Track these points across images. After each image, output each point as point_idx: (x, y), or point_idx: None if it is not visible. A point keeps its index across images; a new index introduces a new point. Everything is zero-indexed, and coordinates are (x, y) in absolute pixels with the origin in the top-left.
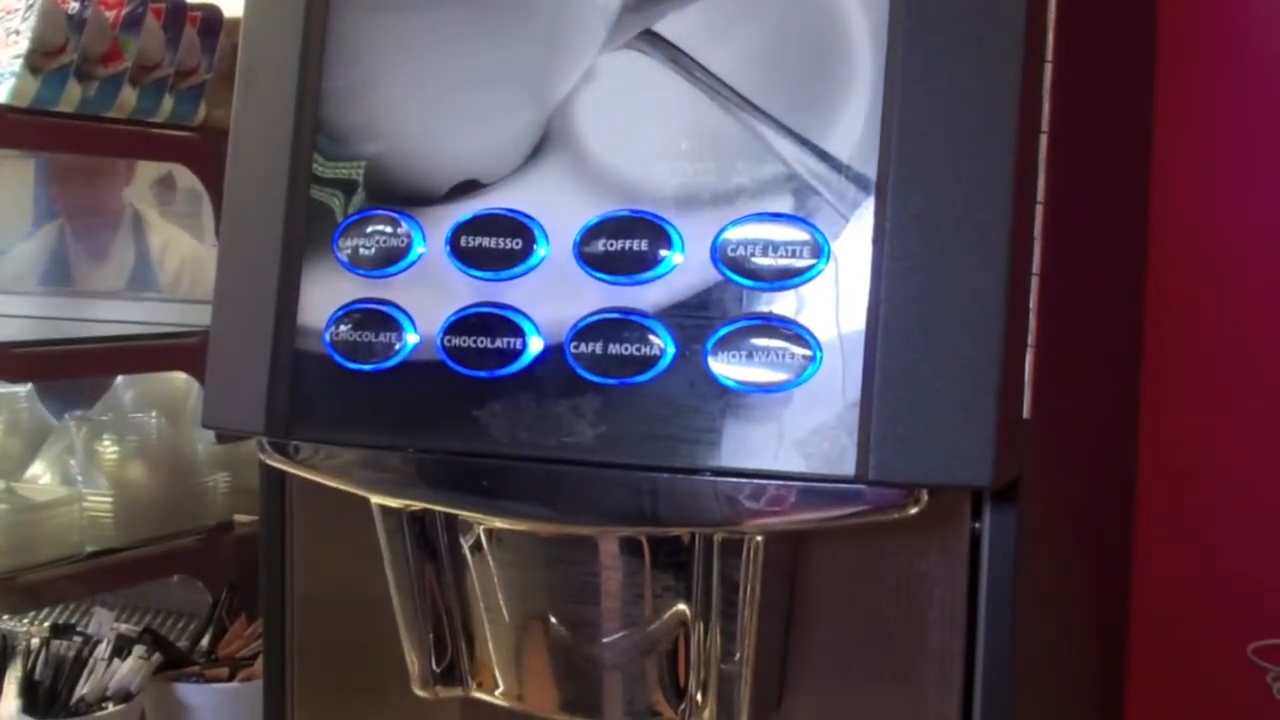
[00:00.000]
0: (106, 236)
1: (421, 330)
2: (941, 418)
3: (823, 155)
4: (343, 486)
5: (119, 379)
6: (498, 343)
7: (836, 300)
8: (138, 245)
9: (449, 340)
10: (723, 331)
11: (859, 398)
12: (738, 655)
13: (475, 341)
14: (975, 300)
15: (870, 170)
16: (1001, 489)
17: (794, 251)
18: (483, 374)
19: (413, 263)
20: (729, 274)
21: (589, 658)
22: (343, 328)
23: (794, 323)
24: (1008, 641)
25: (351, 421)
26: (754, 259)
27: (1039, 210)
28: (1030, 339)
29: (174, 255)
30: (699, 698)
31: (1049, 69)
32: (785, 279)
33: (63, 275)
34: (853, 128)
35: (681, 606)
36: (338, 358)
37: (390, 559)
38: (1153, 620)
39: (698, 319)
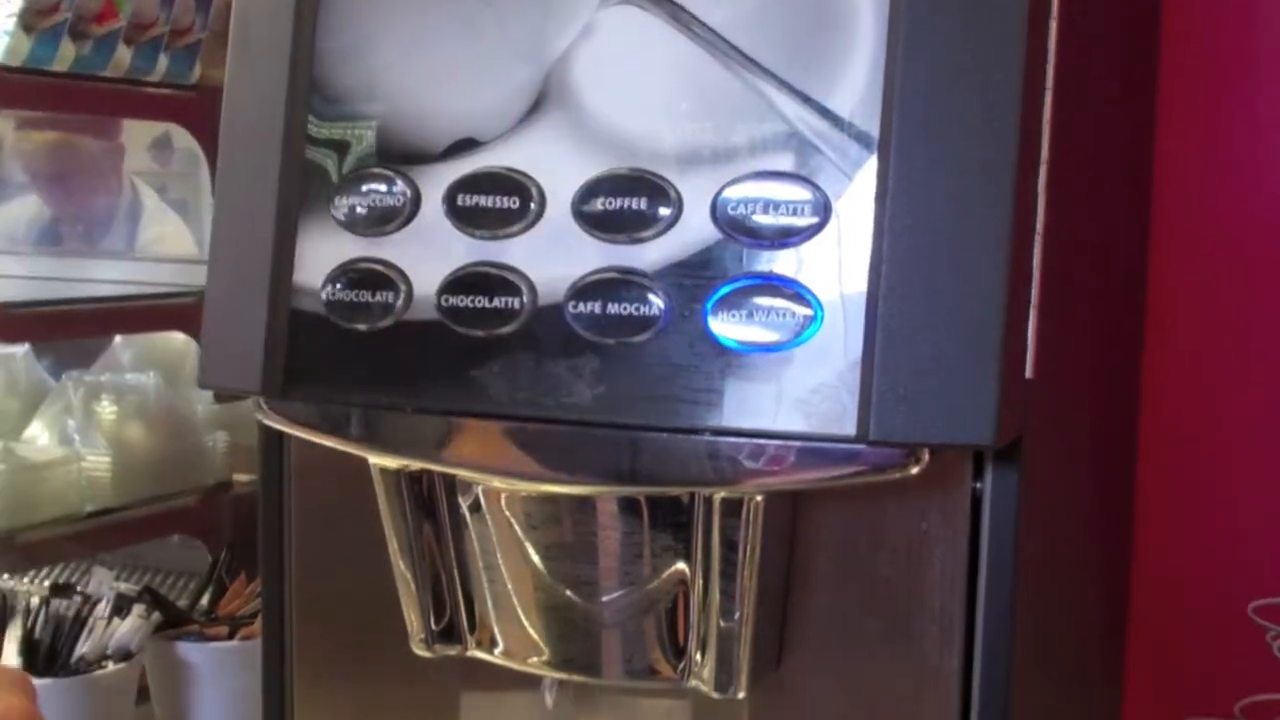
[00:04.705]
0: (99, 232)
1: (418, 290)
2: (944, 377)
3: (824, 112)
4: (340, 446)
5: (117, 339)
6: (495, 302)
7: (838, 259)
8: (129, 235)
9: (446, 300)
10: (723, 291)
11: (860, 357)
12: (737, 614)
13: (472, 301)
14: (978, 259)
15: (873, 127)
16: (1003, 449)
17: (795, 210)
18: (480, 333)
19: (409, 221)
20: (729, 233)
21: (588, 617)
22: (339, 287)
23: (795, 282)
24: (1009, 601)
25: (349, 381)
26: (754, 217)
27: (1043, 169)
28: (1034, 298)
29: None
30: (698, 656)
31: (1054, 26)
32: (786, 238)
33: (55, 243)
34: (855, 84)
35: (681, 566)
36: (334, 317)
37: (389, 519)
38: (1154, 579)
39: (697, 278)
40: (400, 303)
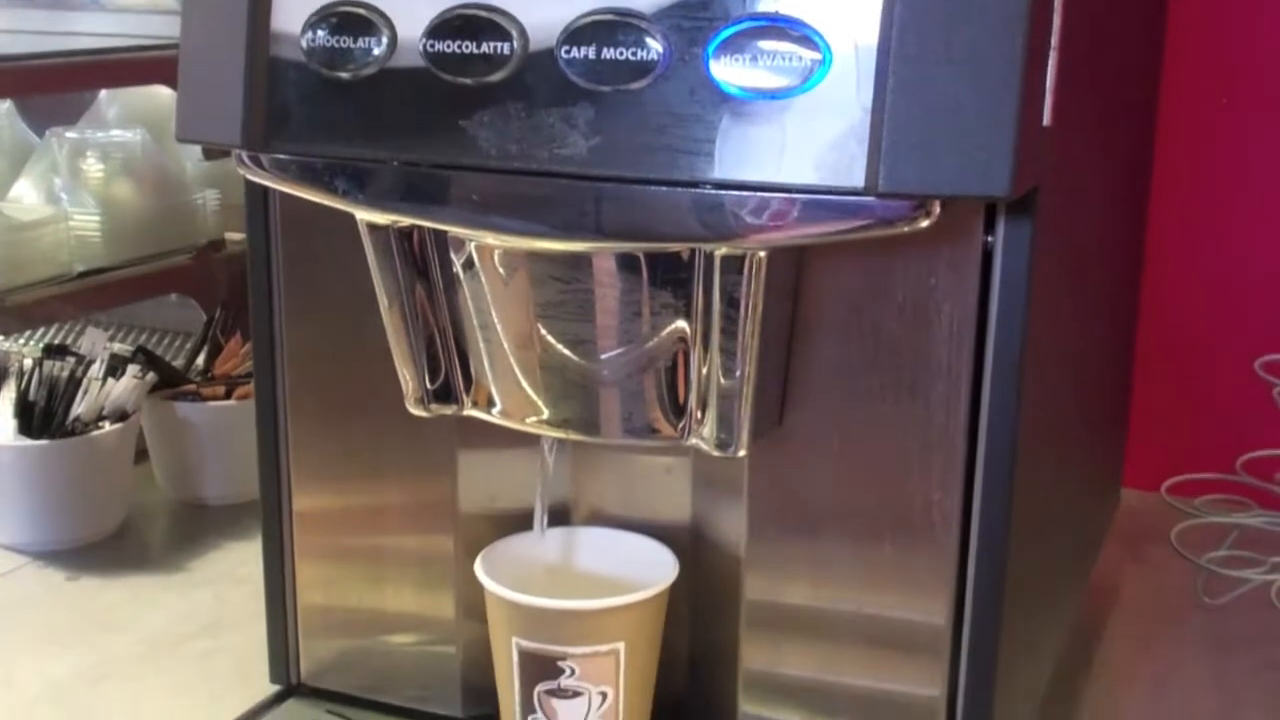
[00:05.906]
0: None
1: (402, 34)
2: (958, 125)
3: None
4: (326, 201)
5: (101, 95)
6: (483, 47)
7: None
8: None
9: (431, 45)
10: (725, 33)
11: (870, 104)
12: (739, 372)
13: (459, 46)
14: None
15: None
16: (1017, 200)
17: None
18: (468, 81)
19: None
20: None
21: (586, 376)
22: (319, 33)
23: (802, 23)
24: (1017, 358)
25: (332, 132)
26: None
27: None
28: (1054, 39)
29: None
30: (699, 414)
31: None
32: None
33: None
34: None
35: (681, 324)
36: (315, 65)
37: (379, 277)
38: (1161, 334)
39: (698, 20)
40: (383, 49)
